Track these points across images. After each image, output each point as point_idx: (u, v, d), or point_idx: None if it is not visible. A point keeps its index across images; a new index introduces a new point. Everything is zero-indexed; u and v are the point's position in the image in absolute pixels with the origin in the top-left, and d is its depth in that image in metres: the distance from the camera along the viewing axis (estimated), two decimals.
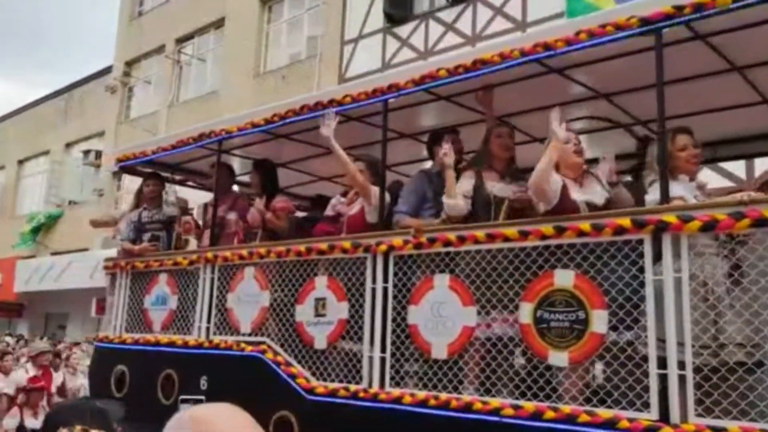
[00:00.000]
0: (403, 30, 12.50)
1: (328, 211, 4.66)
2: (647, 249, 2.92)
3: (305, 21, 15.15)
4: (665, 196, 2.94)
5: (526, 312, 3.25)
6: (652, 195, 3.14)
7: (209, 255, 4.95)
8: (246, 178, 5.91)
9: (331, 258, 4.20)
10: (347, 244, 4.08)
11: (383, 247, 3.88)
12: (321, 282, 4.22)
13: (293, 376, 4.18)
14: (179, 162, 6.23)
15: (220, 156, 5.27)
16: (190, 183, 6.64)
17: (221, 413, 1.18)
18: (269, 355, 4.35)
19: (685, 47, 3.39)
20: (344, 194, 4.74)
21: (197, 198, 6.50)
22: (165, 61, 18.18)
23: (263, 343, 4.45)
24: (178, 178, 6.45)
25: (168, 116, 17.67)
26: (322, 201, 6.07)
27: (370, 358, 3.86)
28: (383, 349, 3.82)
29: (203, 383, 4.75)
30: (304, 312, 4.27)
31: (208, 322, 4.89)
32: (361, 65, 12.89)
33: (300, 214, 5.75)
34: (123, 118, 19.50)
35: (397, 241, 3.84)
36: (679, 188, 3.14)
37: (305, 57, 14.75)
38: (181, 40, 18.25)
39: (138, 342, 5.33)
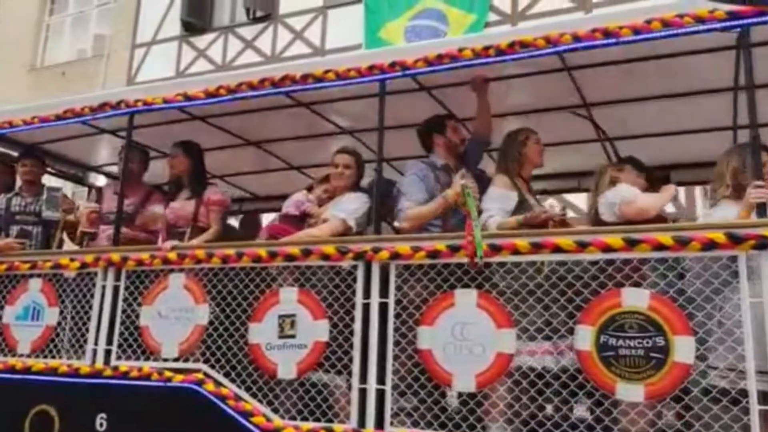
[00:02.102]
0: (201, 41, 12.18)
1: (290, 209, 3.83)
2: (742, 267, 2.59)
3: (93, 18, 14.34)
4: (763, 209, 2.65)
5: (585, 337, 2.76)
6: (724, 210, 2.85)
7: (115, 257, 3.84)
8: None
9: (302, 266, 3.40)
10: (330, 249, 3.31)
11: (383, 254, 3.19)
12: (288, 295, 3.39)
13: (246, 414, 3.27)
14: (40, 142, 4.95)
15: (130, 133, 4.16)
16: (50, 169, 5.33)
17: None
18: (209, 387, 3.39)
19: None
20: (309, 189, 3.95)
21: None
22: None
23: (198, 371, 3.48)
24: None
25: None
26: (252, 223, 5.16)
27: (362, 391, 3.12)
28: (381, 380, 3.10)
29: (101, 424, 3.61)
30: (262, 332, 3.39)
31: (109, 343, 3.76)
32: (154, 71, 12.36)
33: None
34: None
35: (403, 247, 3.17)
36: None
37: (91, 55, 13.97)
38: None
39: None
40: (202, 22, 12.19)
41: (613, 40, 3.05)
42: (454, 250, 3.06)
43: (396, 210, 3.60)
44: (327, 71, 3.56)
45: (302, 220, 3.78)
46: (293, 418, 3.24)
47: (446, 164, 3.72)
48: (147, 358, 3.65)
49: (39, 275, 4.08)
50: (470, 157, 3.86)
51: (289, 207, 3.84)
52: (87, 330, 3.83)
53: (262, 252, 3.48)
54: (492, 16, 9.90)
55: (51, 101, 4.68)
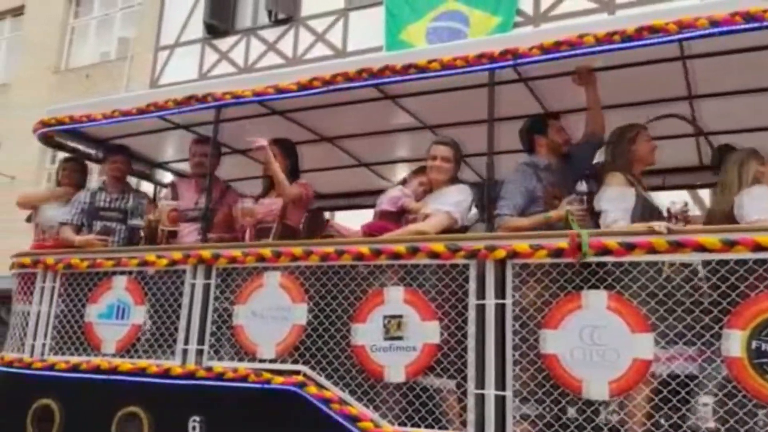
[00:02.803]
0: (224, 43, 12.16)
1: (386, 206, 3.67)
2: None
3: (117, 20, 14.47)
4: None
5: (734, 342, 2.57)
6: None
7: (205, 254, 3.71)
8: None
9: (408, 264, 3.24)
10: (439, 247, 3.15)
11: (499, 253, 3.02)
12: (394, 294, 3.23)
13: (352, 419, 3.13)
14: (111, 137, 4.86)
15: (217, 127, 4.03)
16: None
17: None
18: (311, 390, 3.25)
19: None
20: (402, 182, 3.79)
21: None
22: None
23: (298, 372, 3.34)
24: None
25: None
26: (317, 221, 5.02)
27: (480, 398, 2.95)
28: (501, 386, 2.93)
29: (194, 427, 3.49)
30: (366, 333, 3.24)
31: (201, 343, 3.64)
32: (177, 73, 12.35)
33: None
34: None
35: (522, 245, 2.99)
36: None
37: (115, 58, 14.07)
38: None
39: (78, 368, 3.88)
40: (225, 25, 12.21)
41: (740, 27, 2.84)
42: (578, 248, 2.88)
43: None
44: (431, 61, 3.40)
45: (400, 216, 3.62)
46: (403, 425, 3.08)
47: (549, 164, 3.55)
48: (241, 359, 3.52)
49: (123, 272, 3.98)
50: (577, 160, 3.68)
51: (384, 203, 3.67)
52: (175, 329, 3.72)
53: (365, 249, 3.33)
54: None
55: (130, 95, 4.60)
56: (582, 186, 3.84)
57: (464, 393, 3.02)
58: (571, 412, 2.88)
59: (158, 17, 13.17)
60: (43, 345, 4.10)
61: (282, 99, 3.85)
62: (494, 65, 3.25)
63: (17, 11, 15.85)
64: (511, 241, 3.03)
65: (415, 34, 10.16)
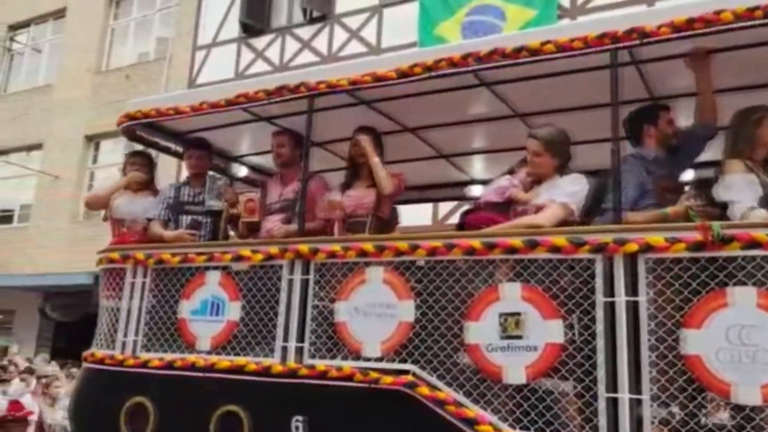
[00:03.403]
0: (260, 42, 12.29)
1: (492, 196, 3.50)
2: None
3: (156, 21, 14.72)
4: None
5: None
6: None
7: (303, 248, 3.60)
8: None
9: (524, 259, 3.06)
10: (561, 240, 2.96)
11: (631, 247, 2.81)
12: (511, 291, 3.06)
13: (470, 422, 2.97)
14: (192, 130, 4.79)
15: (311, 117, 3.90)
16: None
17: None
18: (423, 390, 3.10)
19: None
20: (510, 172, 3.62)
21: None
22: None
23: (407, 372, 3.20)
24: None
25: None
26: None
27: (612, 401, 2.76)
28: (636, 389, 2.73)
29: (296, 427, 3.38)
30: (480, 331, 3.08)
31: (301, 340, 3.53)
32: (213, 73, 12.58)
33: None
34: None
35: (656, 238, 2.79)
36: None
37: (154, 58, 14.32)
38: (15, 27, 17.18)
39: (173, 365, 3.82)
40: (260, 24, 12.32)
41: None
42: (725, 242, 2.66)
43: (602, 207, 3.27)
44: (545, 43, 3.20)
45: (507, 207, 3.44)
46: (526, 429, 2.91)
47: (657, 157, 3.35)
48: (344, 358, 3.39)
49: (216, 268, 3.89)
50: (686, 152, 3.46)
51: (489, 194, 3.50)
52: (273, 326, 3.61)
53: (476, 244, 3.16)
54: None
55: (212, 87, 4.52)
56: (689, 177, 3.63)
57: (581, 396, 2.84)
58: (721, 417, 2.68)
59: (195, 17, 13.39)
60: (135, 342, 4.05)
61: (379, 87, 3.70)
62: (618, 45, 3.04)
63: (59, 14, 16.31)
64: (643, 234, 2.83)
65: (449, 29, 10.12)
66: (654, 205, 3.16)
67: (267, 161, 5.11)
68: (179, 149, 5.06)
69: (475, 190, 5.78)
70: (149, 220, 4.33)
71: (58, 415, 6.16)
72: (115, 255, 4.24)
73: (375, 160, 3.74)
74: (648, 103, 3.56)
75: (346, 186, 4.03)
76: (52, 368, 7.40)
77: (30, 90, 16.37)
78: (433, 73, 3.49)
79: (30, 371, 10.01)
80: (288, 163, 4.05)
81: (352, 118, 4.18)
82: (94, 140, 15.17)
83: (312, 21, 11.82)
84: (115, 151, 14.73)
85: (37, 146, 15.77)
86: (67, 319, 13.99)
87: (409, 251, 3.31)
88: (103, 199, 4.66)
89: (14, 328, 15.93)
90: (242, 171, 5.59)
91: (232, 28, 12.70)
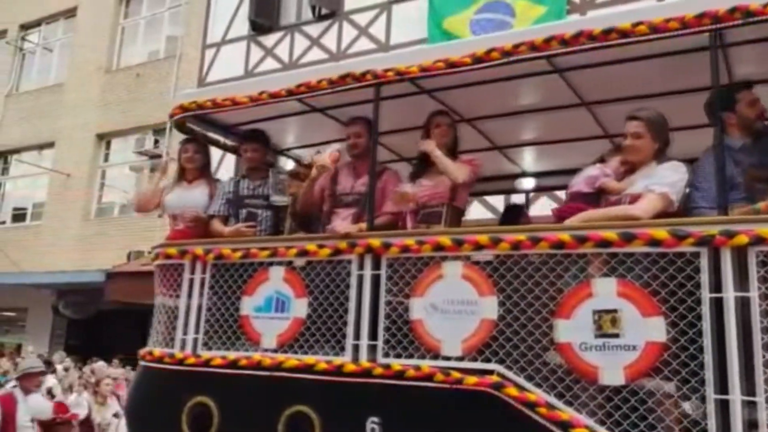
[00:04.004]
0: (269, 39, 12.31)
1: (581, 187, 3.32)
2: None
3: (165, 20, 14.79)
4: None
5: None
6: None
7: (375, 242, 3.45)
8: None
9: (620, 253, 2.88)
10: (662, 233, 2.79)
11: (741, 239, 2.64)
12: (605, 287, 2.89)
13: (564, 425, 2.81)
14: (243, 123, 4.67)
15: (377, 106, 3.75)
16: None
17: None
18: (511, 392, 2.95)
19: None
20: (600, 161, 3.44)
21: None
22: (6, 47, 17.01)
23: (491, 372, 3.04)
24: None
25: (5, 106, 16.76)
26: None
27: (721, 404, 2.59)
28: (748, 390, 2.56)
29: (372, 429, 3.24)
30: (572, 329, 2.92)
31: (373, 338, 3.39)
32: (223, 70, 12.62)
33: None
34: None
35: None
36: None
37: (164, 57, 14.37)
38: (26, 27, 17.30)
39: (237, 364, 3.69)
40: (269, 21, 12.31)
41: None
42: None
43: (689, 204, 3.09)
44: (636, 24, 3.02)
45: (597, 198, 3.26)
46: None
47: (744, 144, 3.14)
48: (421, 357, 3.25)
49: (281, 263, 3.76)
50: None
51: (579, 184, 3.33)
52: (343, 323, 3.47)
53: (565, 236, 2.99)
54: None
55: (267, 77, 4.40)
56: None
57: (687, 398, 2.67)
58: None
59: (205, 15, 13.41)
60: (195, 339, 3.93)
61: (451, 74, 3.53)
62: (720, 25, 2.85)
63: (70, 13, 16.42)
64: (754, 225, 2.65)
65: (458, 26, 10.04)
66: (743, 199, 2.96)
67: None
68: (228, 142, 4.95)
69: (526, 183, 5.63)
70: (210, 216, 4.19)
71: (108, 414, 6.07)
72: (173, 250, 4.12)
73: (437, 153, 3.58)
74: (722, 88, 3.34)
75: (415, 175, 3.87)
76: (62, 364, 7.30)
77: (41, 89, 16.49)
78: (512, 58, 3.33)
79: (48, 363, 10.03)
80: (362, 154, 3.90)
81: (407, 108, 4.03)
82: (105, 138, 15.23)
83: (321, 18, 11.83)
84: (126, 149, 14.87)
85: (49, 145, 15.87)
86: (80, 317, 14.12)
87: (490, 245, 3.16)
88: (151, 196, 4.49)
89: (27, 326, 16.05)
90: (289, 164, 5.47)
91: (242, 26, 12.71)
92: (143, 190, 4.75)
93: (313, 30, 11.88)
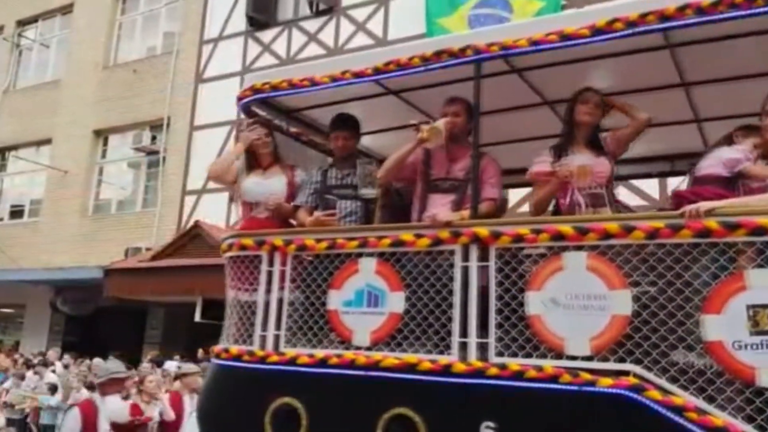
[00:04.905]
0: (266, 35, 12.38)
1: (719, 169, 3.03)
2: None
3: (162, 15, 14.74)
4: None
5: None
6: None
7: (483, 231, 3.17)
8: None
9: None
10: None
11: None
12: (761, 279, 2.61)
13: None
14: (304, 107, 4.40)
15: (479, 84, 3.45)
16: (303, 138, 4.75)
17: None
18: (653, 395, 2.67)
19: None
20: (729, 143, 3.14)
21: None
22: (2, 43, 17.03)
23: (627, 373, 2.76)
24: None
25: (2, 102, 16.74)
26: None
27: None
28: None
29: None
30: (722, 325, 2.63)
31: (483, 335, 3.11)
32: (220, 67, 12.74)
33: None
34: None
35: None
36: None
37: (161, 53, 14.33)
38: (23, 23, 17.29)
39: (327, 362, 3.42)
40: (267, 17, 12.28)
41: None
42: None
43: None
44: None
45: (733, 182, 2.98)
46: None
47: None
48: (542, 356, 2.97)
49: (372, 254, 3.48)
50: None
51: (714, 166, 3.03)
52: (448, 319, 3.20)
53: (713, 224, 2.70)
54: None
55: (356, 54, 4.12)
56: None
57: None
58: None
59: (202, 11, 13.41)
60: (276, 336, 3.66)
61: (570, 47, 3.22)
62: None
63: (66, 9, 16.36)
64: None
65: (456, 21, 9.95)
66: None
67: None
68: (294, 129, 4.68)
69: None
70: (296, 207, 3.92)
71: (156, 412, 5.83)
72: (249, 241, 3.84)
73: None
74: None
75: (559, 150, 3.50)
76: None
77: (38, 85, 16.40)
78: (638, 29, 3.03)
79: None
80: (458, 136, 3.60)
81: (493, 89, 3.72)
82: (102, 135, 15.07)
83: (318, 14, 11.76)
84: (123, 145, 14.77)
85: (46, 141, 15.74)
86: (78, 313, 13.99)
87: (621, 234, 2.87)
88: (228, 167, 4.12)
89: (25, 323, 15.95)
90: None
91: (239, 22, 12.64)
92: (220, 159, 4.45)
93: (311, 25, 11.82)
